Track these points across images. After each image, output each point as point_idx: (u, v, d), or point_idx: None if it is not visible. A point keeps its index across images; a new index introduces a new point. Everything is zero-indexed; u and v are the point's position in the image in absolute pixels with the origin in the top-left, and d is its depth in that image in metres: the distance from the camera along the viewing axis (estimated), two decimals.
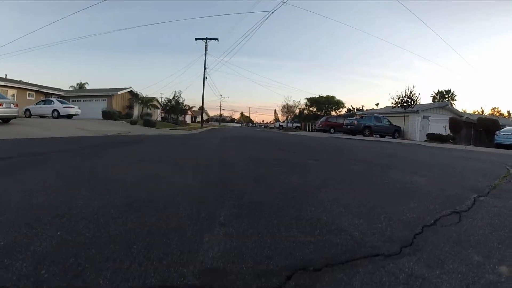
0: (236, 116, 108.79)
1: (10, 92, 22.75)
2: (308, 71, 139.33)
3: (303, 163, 3.86)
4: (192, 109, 49.19)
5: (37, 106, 19.61)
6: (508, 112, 57.34)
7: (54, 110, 18.81)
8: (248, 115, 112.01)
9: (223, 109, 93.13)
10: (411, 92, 20.16)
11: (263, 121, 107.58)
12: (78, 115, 19.95)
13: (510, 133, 15.81)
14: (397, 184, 2.72)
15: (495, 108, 59.02)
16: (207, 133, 15.64)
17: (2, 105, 10.92)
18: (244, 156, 4.32)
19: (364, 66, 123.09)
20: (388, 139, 18.54)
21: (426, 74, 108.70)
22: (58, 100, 20.22)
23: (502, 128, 17.90)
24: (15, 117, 11.94)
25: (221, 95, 75.47)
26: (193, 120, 60.84)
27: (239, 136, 11.80)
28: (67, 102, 21.21)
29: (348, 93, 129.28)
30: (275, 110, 73.91)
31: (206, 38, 30.30)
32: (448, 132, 18.93)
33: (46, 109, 19.06)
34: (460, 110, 53.50)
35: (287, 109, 40.25)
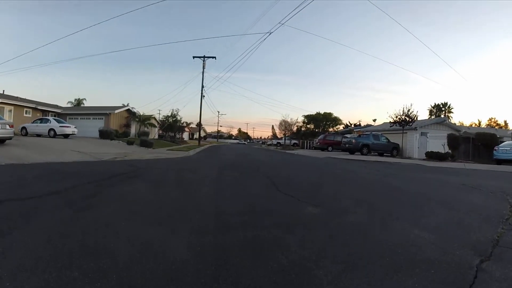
0: (234, 132, 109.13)
1: (7, 108, 22.71)
2: (305, 87, 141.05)
3: (302, 216, 3.70)
4: (190, 126, 49.38)
5: (34, 124, 19.57)
6: (505, 122, 57.85)
7: (51, 129, 18.78)
8: (246, 131, 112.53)
9: (220, 126, 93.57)
10: (408, 110, 20.30)
11: (261, 137, 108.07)
12: (74, 134, 19.87)
13: (509, 148, 15.82)
14: (398, 249, 2.56)
15: (492, 118, 59.66)
16: (204, 157, 15.40)
17: None
18: (240, 205, 4.17)
19: (361, 81, 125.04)
20: (386, 158, 18.48)
21: (423, 87, 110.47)
22: (55, 119, 20.19)
23: (501, 143, 17.94)
24: (10, 138, 11.84)
25: (218, 112, 75.95)
26: (190, 137, 60.77)
27: (236, 163, 11.57)
28: (64, 121, 21.17)
29: (344, 108, 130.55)
30: (272, 126, 74.28)
31: (204, 57, 30.70)
32: (447, 149, 18.93)
33: (43, 128, 19.05)
34: (457, 122, 54.25)
35: (285, 127, 40.39)
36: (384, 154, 21.79)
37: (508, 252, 2.53)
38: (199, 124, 37.17)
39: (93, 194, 4.36)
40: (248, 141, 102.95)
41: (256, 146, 53.96)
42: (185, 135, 52.96)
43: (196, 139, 48.14)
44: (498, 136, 21.19)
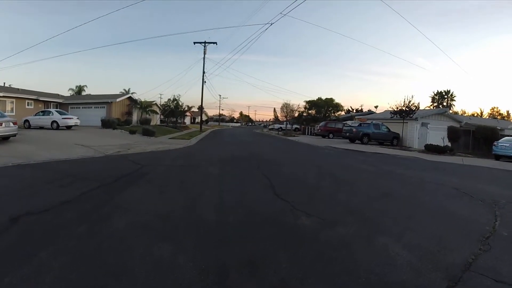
0: (236, 115, 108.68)
1: (9, 101, 22.80)
2: (308, 71, 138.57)
3: (295, 227, 3.92)
4: (191, 110, 49.29)
5: (37, 117, 19.69)
6: (508, 112, 57.39)
7: (53, 121, 18.95)
8: (248, 114, 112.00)
9: (222, 109, 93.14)
10: (409, 102, 20.22)
11: (262, 120, 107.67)
12: (77, 125, 20.05)
13: (507, 144, 15.91)
14: (376, 269, 2.73)
15: (495, 108, 59.13)
16: (205, 148, 15.54)
17: (2, 125, 11.04)
18: (239, 214, 4.40)
19: (363, 65, 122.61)
20: (386, 149, 18.60)
21: (427, 73, 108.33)
22: (57, 111, 20.32)
23: (501, 137, 18.03)
24: (15, 135, 12.04)
25: (220, 96, 75.38)
26: (192, 121, 60.76)
27: (236, 158, 11.71)
28: (66, 112, 21.31)
29: (347, 92, 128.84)
30: (274, 109, 73.80)
31: (205, 42, 30.31)
32: (446, 142, 19.02)
33: (45, 120, 19.22)
34: (459, 110, 53.80)
35: (287, 113, 40.32)
36: (385, 143, 21.94)
37: (476, 278, 2.71)
38: (200, 110, 37.09)
39: (103, 202, 4.57)
40: (250, 124, 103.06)
41: (258, 130, 53.88)
42: (187, 120, 53.03)
43: (198, 123, 48.21)
44: (499, 128, 21.20)
